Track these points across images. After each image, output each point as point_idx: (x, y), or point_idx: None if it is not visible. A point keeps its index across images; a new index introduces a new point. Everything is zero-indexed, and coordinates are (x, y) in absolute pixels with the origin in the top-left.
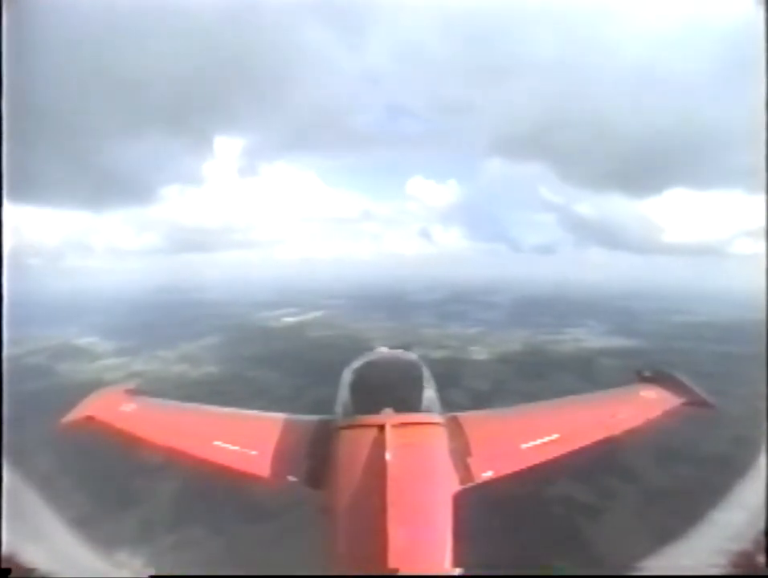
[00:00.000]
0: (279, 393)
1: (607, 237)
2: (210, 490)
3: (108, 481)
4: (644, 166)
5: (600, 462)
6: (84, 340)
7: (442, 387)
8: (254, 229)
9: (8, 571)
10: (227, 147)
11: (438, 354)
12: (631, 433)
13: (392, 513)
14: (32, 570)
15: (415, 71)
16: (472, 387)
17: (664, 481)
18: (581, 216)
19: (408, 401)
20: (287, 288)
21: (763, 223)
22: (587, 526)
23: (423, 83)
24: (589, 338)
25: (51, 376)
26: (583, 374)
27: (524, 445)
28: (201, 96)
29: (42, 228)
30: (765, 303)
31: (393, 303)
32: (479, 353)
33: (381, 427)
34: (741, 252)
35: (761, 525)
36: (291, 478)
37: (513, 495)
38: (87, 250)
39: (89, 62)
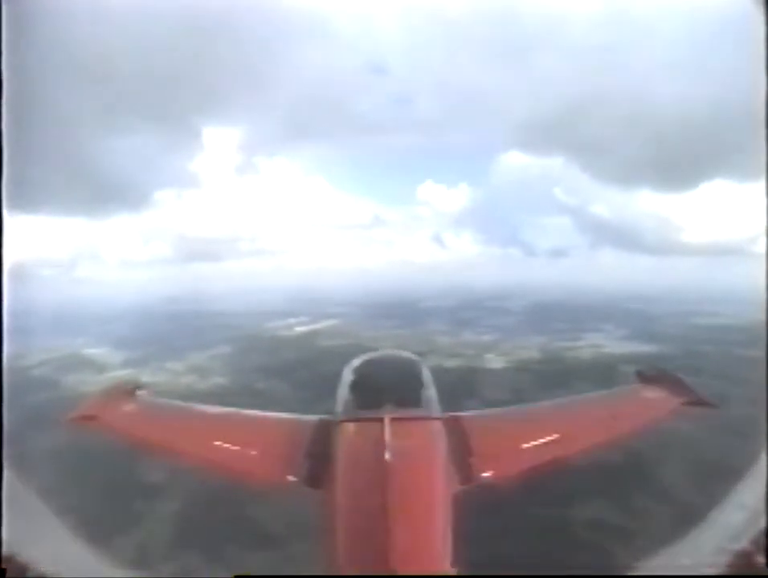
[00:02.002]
0: (288, 406)
1: (624, 238)
2: (211, 512)
3: (105, 498)
4: (682, 155)
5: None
6: (93, 351)
7: (457, 398)
8: (262, 238)
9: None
10: (220, 142)
11: (452, 363)
12: (631, 433)
13: (393, 513)
14: (33, 570)
15: (427, 51)
16: (489, 397)
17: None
18: (597, 217)
19: (407, 399)
20: (297, 297)
21: None
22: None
23: (436, 65)
24: (607, 344)
25: (55, 389)
26: (604, 383)
27: (525, 446)
28: (185, 85)
29: (45, 238)
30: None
31: (405, 311)
32: (494, 361)
33: (381, 422)
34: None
35: (762, 525)
36: (291, 478)
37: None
38: (95, 260)
39: (63, 56)
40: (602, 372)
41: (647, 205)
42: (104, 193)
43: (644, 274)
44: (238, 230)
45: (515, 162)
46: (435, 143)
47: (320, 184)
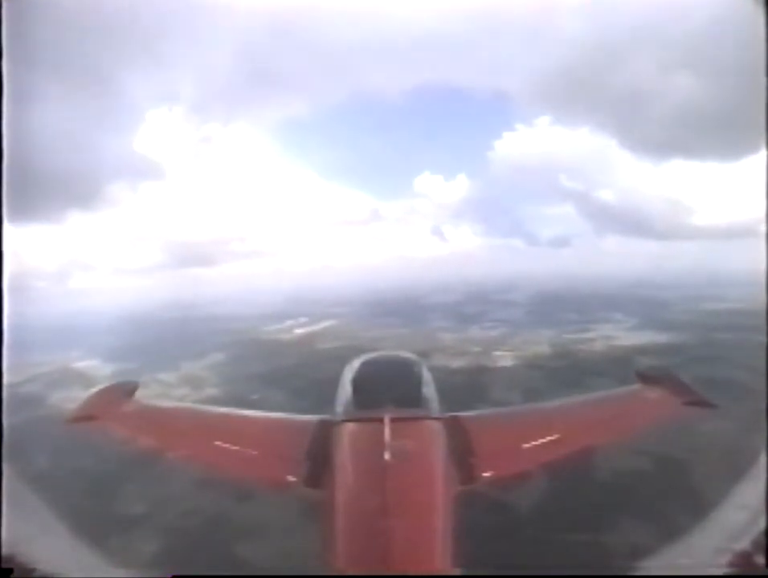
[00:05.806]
0: None
1: (630, 224)
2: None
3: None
4: (741, 114)
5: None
6: (83, 364)
7: (466, 402)
8: (254, 238)
9: (10, 571)
10: (163, 109)
11: (458, 362)
12: (632, 433)
13: (392, 513)
14: (33, 570)
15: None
16: (501, 400)
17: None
18: (602, 203)
19: (407, 399)
20: (295, 298)
21: None
22: None
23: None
24: (619, 334)
25: (40, 407)
26: (622, 378)
27: (525, 446)
28: (104, 35)
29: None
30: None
31: (407, 308)
32: (504, 359)
33: (381, 423)
34: None
35: (762, 525)
36: (291, 479)
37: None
38: (85, 268)
39: None
40: (619, 367)
41: (659, 186)
42: (46, 190)
43: (652, 259)
44: (227, 230)
45: (516, 147)
46: (434, 98)
47: (310, 177)
